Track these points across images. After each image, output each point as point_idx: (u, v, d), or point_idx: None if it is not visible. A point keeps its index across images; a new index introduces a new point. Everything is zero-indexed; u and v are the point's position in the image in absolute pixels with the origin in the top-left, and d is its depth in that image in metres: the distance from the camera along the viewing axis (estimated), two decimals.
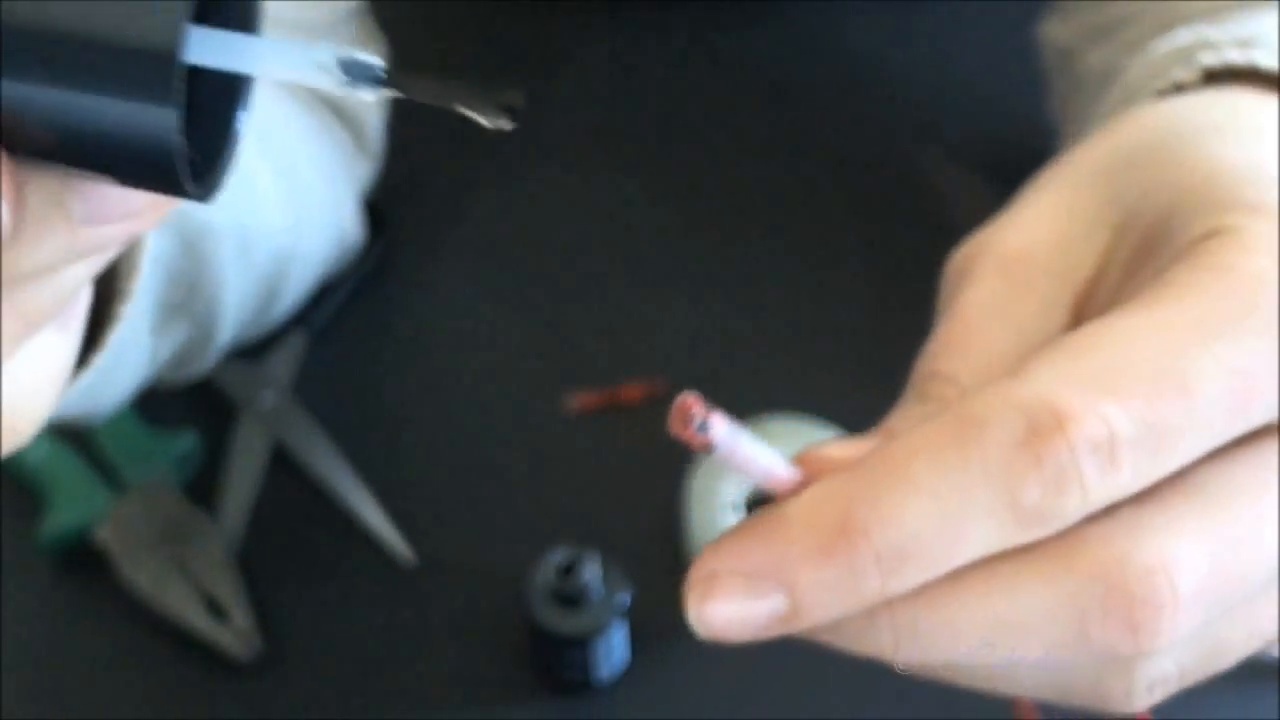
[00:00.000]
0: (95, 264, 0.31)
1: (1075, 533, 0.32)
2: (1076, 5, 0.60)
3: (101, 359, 0.41)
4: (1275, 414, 0.33)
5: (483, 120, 0.28)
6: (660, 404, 0.64)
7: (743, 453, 0.32)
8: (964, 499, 0.31)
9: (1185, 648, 0.34)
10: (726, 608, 0.34)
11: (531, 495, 0.62)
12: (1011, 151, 0.42)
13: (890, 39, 0.75)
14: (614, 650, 0.56)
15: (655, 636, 0.58)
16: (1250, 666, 0.56)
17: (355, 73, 0.27)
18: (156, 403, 0.62)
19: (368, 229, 0.67)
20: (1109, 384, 0.32)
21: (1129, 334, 0.33)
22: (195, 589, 0.58)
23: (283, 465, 0.62)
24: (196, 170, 0.28)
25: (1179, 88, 0.43)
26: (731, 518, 0.58)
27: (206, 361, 0.58)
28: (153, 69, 0.26)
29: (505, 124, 0.28)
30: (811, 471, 0.34)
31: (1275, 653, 0.44)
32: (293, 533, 0.61)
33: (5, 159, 0.27)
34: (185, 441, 0.62)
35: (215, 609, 0.58)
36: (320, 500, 0.62)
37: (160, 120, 0.26)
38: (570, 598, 0.55)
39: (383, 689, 0.58)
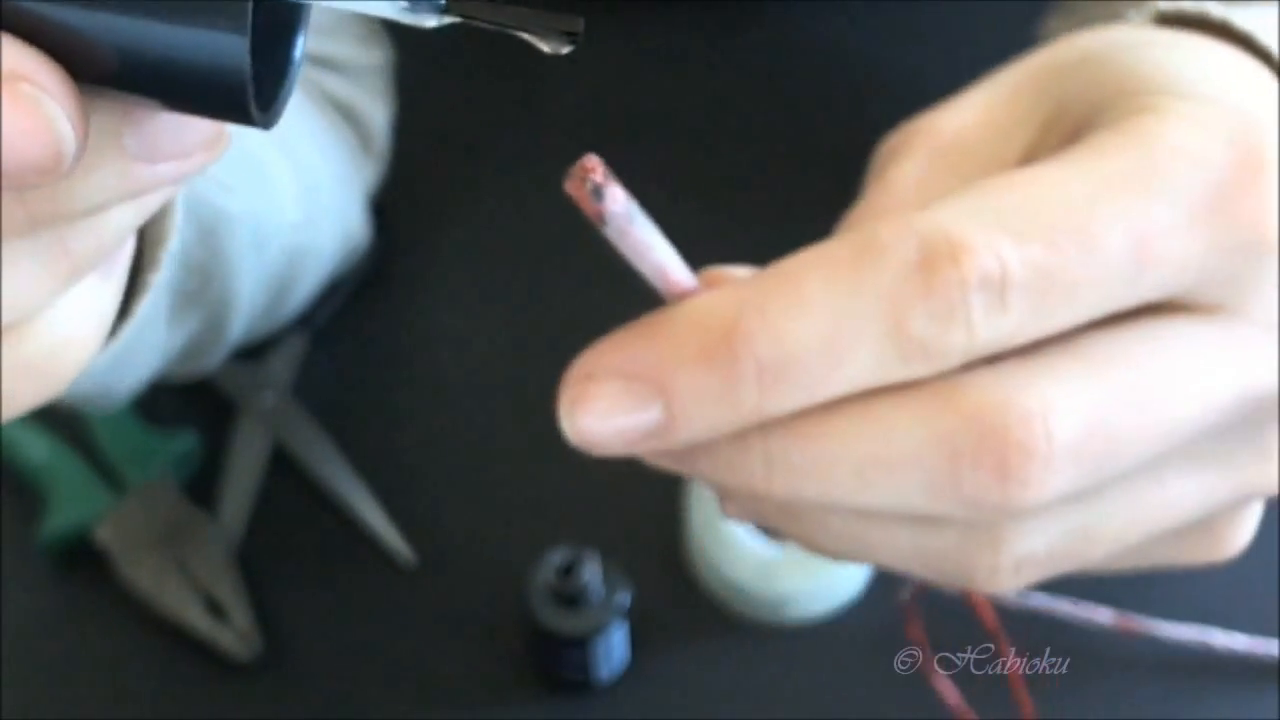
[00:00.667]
0: (143, 209, 0.31)
1: (956, 376, 0.32)
2: (1076, 5, 0.60)
3: (129, 329, 0.41)
4: (1171, 288, 0.33)
5: (543, 45, 0.28)
6: None
7: (637, 235, 0.32)
8: (852, 319, 0.31)
9: (1055, 521, 0.34)
10: (599, 412, 0.33)
11: (531, 495, 0.62)
12: None
13: (891, 39, 0.75)
14: (614, 650, 0.56)
15: (655, 636, 0.58)
16: (1250, 666, 0.56)
17: (417, 1, 0.28)
18: (156, 403, 0.62)
19: (371, 230, 0.67)
20: (1009, 224, 0.31)
21: (1039, 182, 0.33)
22: (195, 589, 0.58)
23: (283, 465, 0.62)
24: (259, 95, 0.27)
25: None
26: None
27: (214, 357, 0.58)
28: None
29: (564, 48, 0.28)
30: (711, 286, 0.34)
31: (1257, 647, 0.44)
32: (293, 533, 0.61)
33: (70, 85, 0.26)
34: (185, 441, 0.62)
35: (215, 609, 0.58)
36: (320, 500, 0.62)
37: (231, 40, 0.26)
38: (570, 598, 0.55)
39: (383, 689, 0.58)
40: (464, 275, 0.69)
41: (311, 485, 0.62)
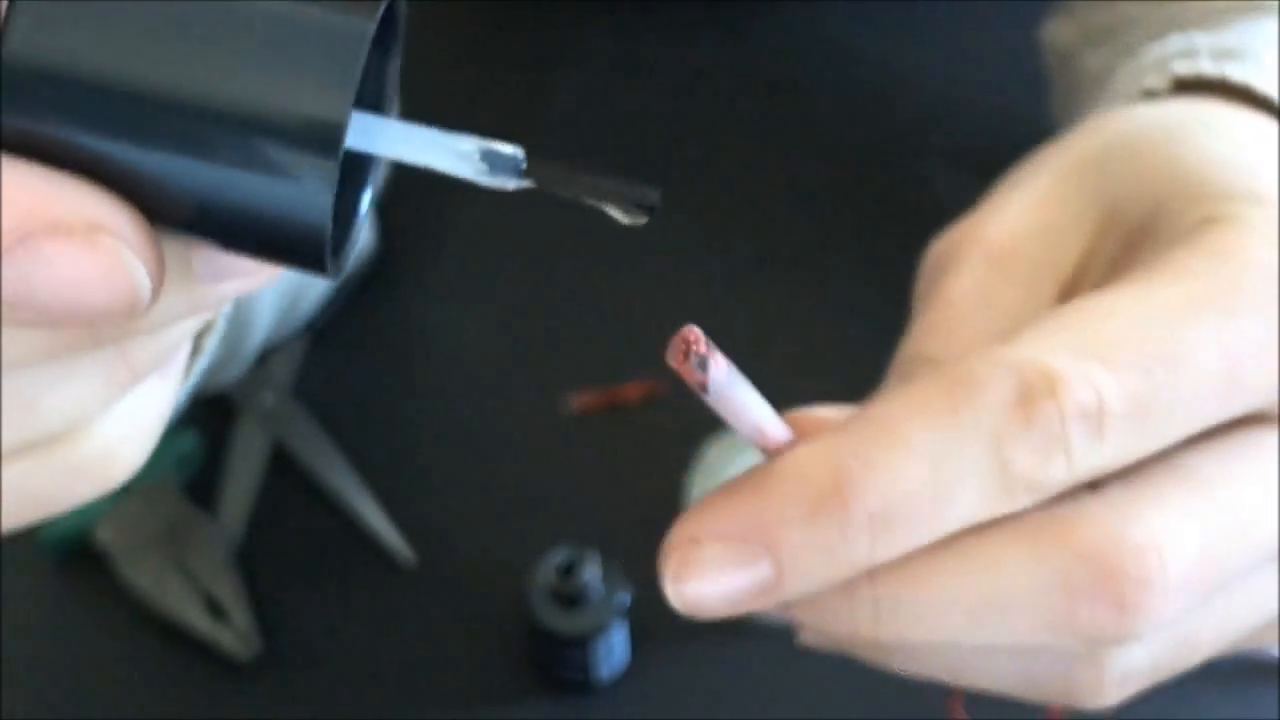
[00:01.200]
0: (206, 316, 0.31)
1: (1062, 508, 0.32)
2: (1080, 6, 0.60)
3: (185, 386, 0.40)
4: (1265, 401, 0.33)
5: (620, 217, 0.28)
6: (660, 404, 0.64)
7: (738, 399, 0.31)
8: (955, 459, 0.31)
9: (1160, 637, 0.34)
10: (708, 577, 0.32)
11: (531, 495, 0.62)
12: (1013, 153, 0.42)
13: (891, 39, 0.75)
14: (614, 650, 0.56)
15: (655, 636, 0.58)
16: (1250, 666, 0.56)
17: (496, 164, 0.28)
18: None
19: (374, 231, 0.67)
20: (1101, 353, 0.32)
21: (1123, 308, 0.33)
22: (195, 589, 0.58)
23: (283, 465, 0.62)
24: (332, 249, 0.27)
25: (1150, 94, 0.43)
26: None
27: (230, 374, 0.58)
28: (316, 149, 0.25)
29: (641, 221, 0.28)
30: (802, 432, 0.33)
31: (1272, 652, 0.44)
32: (293, 533, 0.61)
33: (149, 234, 0.26)
34: (185, 441, 0.62)
35: (215, 609, 0.58)
36: (320, 501, 0.62)
37: (316, 202, 0.26)
38: (570, 598, 0.55)
39: (383, 689, 0.58)
40: (464, 276, 0.69)
41: (311, 486, 0.62)
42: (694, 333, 0.30)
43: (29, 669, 0.59)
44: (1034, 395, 0.31)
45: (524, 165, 0.28)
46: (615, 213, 0.28)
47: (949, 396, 0.31)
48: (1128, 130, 0.39)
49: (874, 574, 0.32)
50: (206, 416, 0.63)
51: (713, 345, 0.30)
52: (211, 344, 0.42)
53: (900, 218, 0.69)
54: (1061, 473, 0.31)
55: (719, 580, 0.32)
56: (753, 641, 0.58)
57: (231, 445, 0.62)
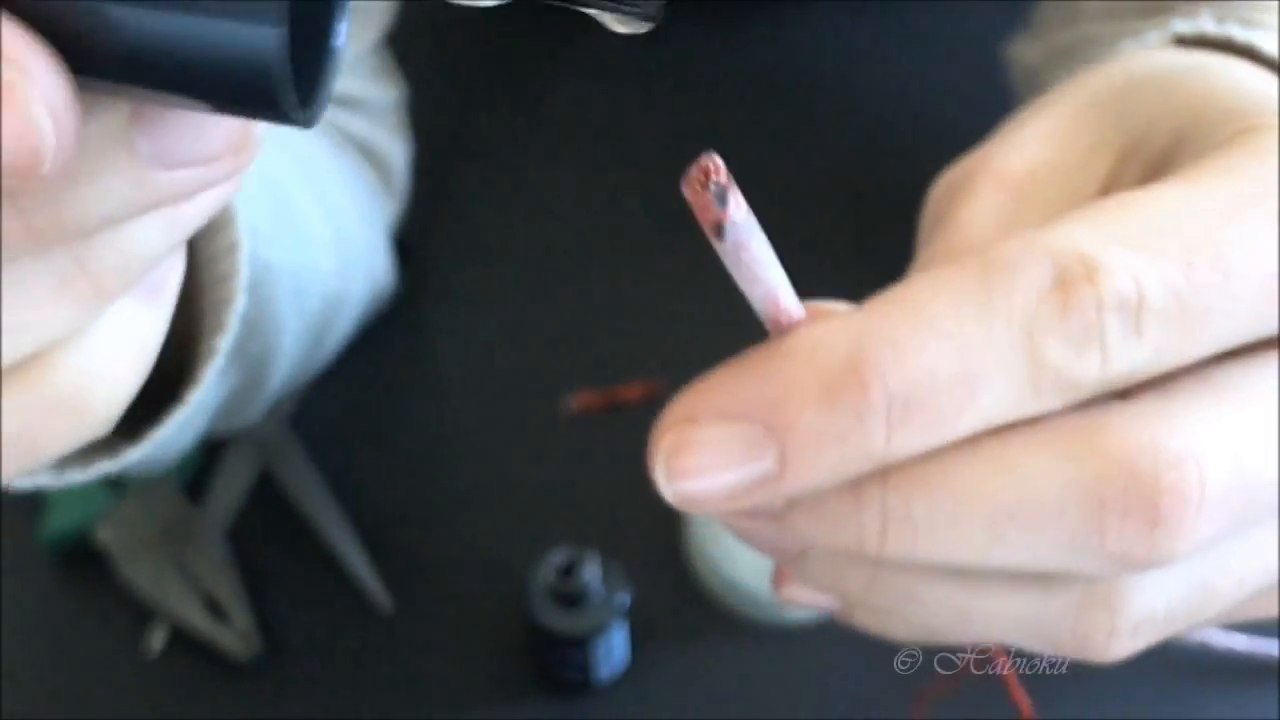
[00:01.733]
0: (175, 227, 0.28)
1: (1094, 414, 0.30)
2: (1045, 26, 0.60)
3: (196, 393, 0.38)
4: None
5: (617, 25, 0.25)
6: (660, 404, 0.64)
7: (756, 251, 0.28)
8: (984, 345, 0.28)
9: (1182, 576, 0.32)
10: (705, 462, 0.30)
11: (531, 495, 0.62)
12: None
13: (891, 40, 0.75)
14: (614, 650, 0.56)
15: (655, 636, 0.58)
16: (1250, 666, 0.56)
17: None
18: None
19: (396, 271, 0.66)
20: (1144, 244, 0.29)
21: (1168, 201, 0.30)
22: (195, 589, 0.58)
23: (270, 486, 0.62)
24: (297, 89, 0.24)
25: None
26: None
27: (253, 413, 0.56)
28: None
29: (641, 28, 0.25)
30: (817, 318, 0.31)
31: (1272, 652, 0.43)
32: (291, 533, 0.61)
33: (58, 73, 0.23)
34: None
35: (215, 609, 0.58)
36: (304, 536, 0.62)
37: (266, 22, 0.22)
38: (570, 598, 0.55)
39: (382, 689, 0.58)
40: (464, 276, 0.69)
41: (293, 513, 0.62)
42: (715, 161, 0.27)
43: (29, 669, 0.59)
44: (1071, 281, 0.29)
45: None
46: (612, 21, 0.25)
47: (981, 278, 0.29)
48: (1148, 66, 0.38)
49: (886, 475, 0.30)
50: None
51: (734, 181, 0.27)
52: (226, 345, 0.40)
53: (900, 218, 0.69)
54: (1095, 370, 0.29)
55: (717, 465, 0.30)
56: (752, 641, 0.58)
57: (218, 468, 0.62)
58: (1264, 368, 0.31)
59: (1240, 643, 0.56)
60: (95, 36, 0.22)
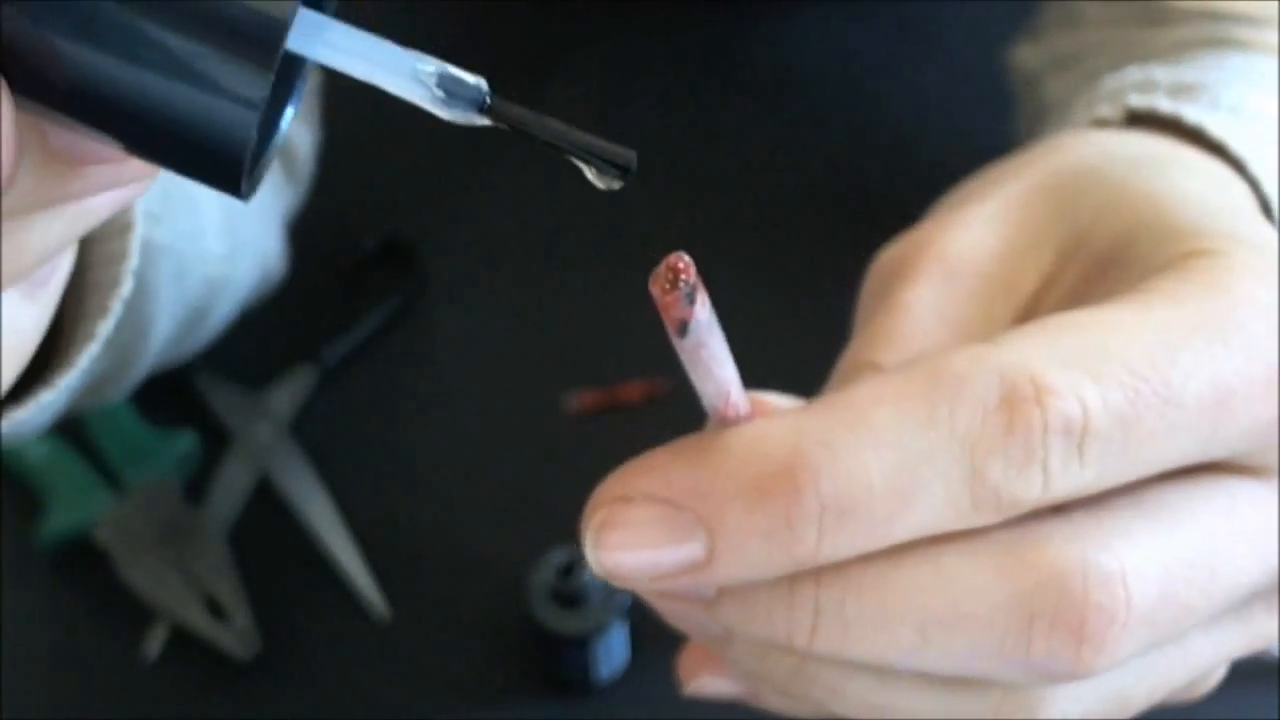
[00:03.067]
0: (76, 223, 0.26)
1: (1026, 527, 0.30)
2: (1047, 31, 0.60)
3: (69, 379, 0.37)
4: (1236, 448, 0.31)
5: (593, 178, 0.25)
6: (660, 404, 0.64)
7: (713, 350, 0.28)
8: (925, 458, 0.29)
9: (1099, 687, 0.32)
10: (631, 541, 0.30)
11: (531, 495, 0.62)
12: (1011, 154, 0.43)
13: (891, 41, 0.75)
14: (614, 650, 0.56)
15: (655, 636, 0.58)
16: (1250, 667, 0.56)
17: (455, 91, 0.24)
18: (156, 403, 0.62)
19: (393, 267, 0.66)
20: (1092, 368, 0.30)
21: (1116, 325, 0.31)
22: (195, 589, 0.58)
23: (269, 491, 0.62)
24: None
25: (1101, 124, 0.42)
26: None
27: (116, 393, 0.54)
28: (253, 47, 0.21)
29: (615, 185, 0.25)
30: (761, 414, 0.31)
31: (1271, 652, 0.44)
32: (292, 533, 0.61)
33: (11, 101, 0.22)
34: (185, 441, 0.62)
35: (215, 609, 0.58)
36: (301, 539, 0.62)
37: (242, 110, 0.22)
38: (570, 598, 0.55)
39: (382, 689, 0.58)
40: (464, 276, 0.69)
41: (291, 518, 0.62)
42: (684, 260, 0.27)
43: (29, 669, 0.58)
44: (1019, 400, 0.29)
45: (485, 100, 0.24)
46: (588, 172, 0.25)
47: (927, 390, 0.29)
48: (1092, 157, 0.38)
49: (819, 571, 0.30)
50: (207, 417, 0.63)
51: (701, 281, 0.27)
52: (106, 331, 0.38)
53: (900, 219, 0.69)
54: (1036, 490, 0.29)
55: (645, 547, 0.30)
56: None
57: (215, 476, 0.62)
58: (1197, 491, 0.32)
59: None
60: (65, 77, 0.22)
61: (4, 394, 0.30)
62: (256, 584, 0.59)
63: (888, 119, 0.72)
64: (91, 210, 0.26)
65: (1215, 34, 0.46)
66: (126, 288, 0.38)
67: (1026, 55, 0.61)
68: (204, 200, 0.53)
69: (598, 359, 0.66)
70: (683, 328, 0.27)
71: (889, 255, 0.38)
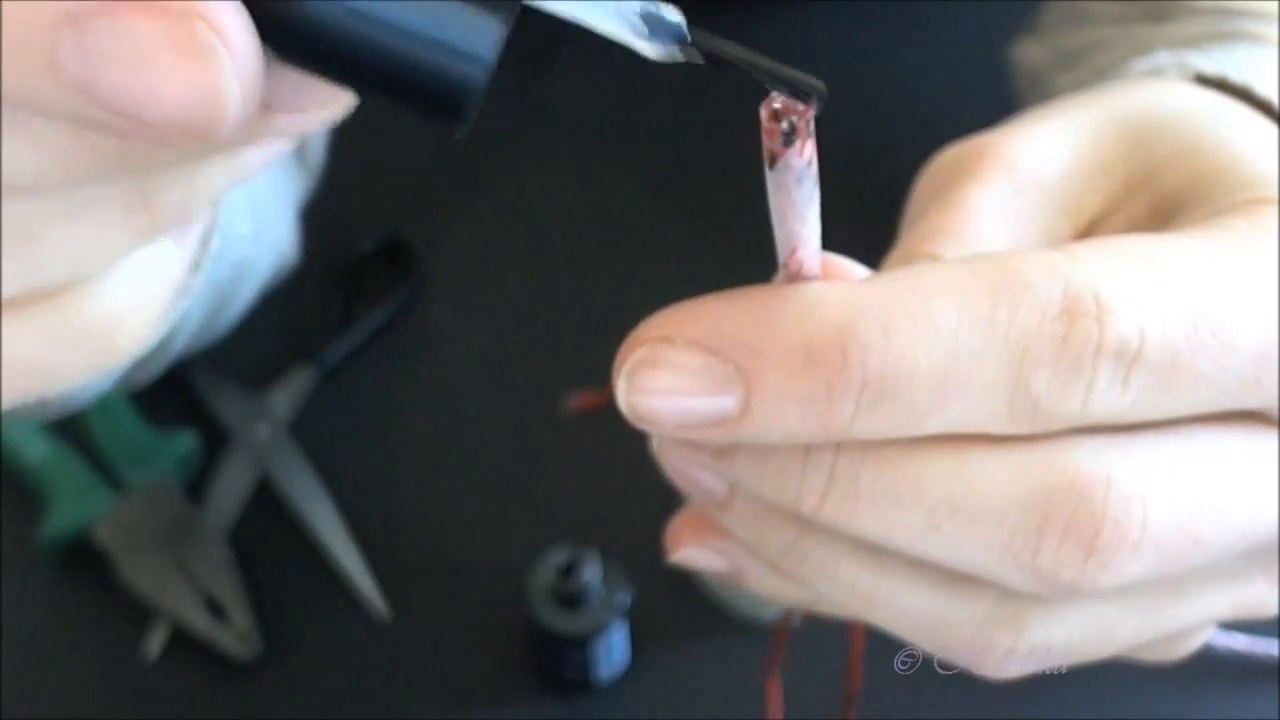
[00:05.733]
0: (239, 170, 0.26)
1: (1060, 437, 0.30)
2: (1051, 28, 0.60)
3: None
4: (1271, 402, 0.31)
5: (786, 102, 0.26)
6: None
7: (793, 199, 0.28)
8: (976, 356, 0.28)
9: (1090, 612, 0.32)
10: (666, 385, 0.29)
11: (531, 495, 0.62)
12: None
13: (890, 41, 0.75)
14: (614, 650, 0.56)
15: (655, 636, 0.58)
16: (1250, 667, 0.56)
17: (657, 28, 0.25)
18: (157, 403, 0.62)
19: (397, 268, 0.66)
20: (1155, 296, 0.29)
21: (1183, 257, 0.31)
22: (195, 589, 0.58)
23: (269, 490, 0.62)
24: None
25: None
26: None
27: (144, 376, 0.54)
28: None
29: (801, 106, 0.26)
30: (831, 277, 0.30)
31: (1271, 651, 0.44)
32: (292, 533, 0.61)
33: (255, 44, 0.21)
34: (185, 441, 0.62)
35: (215, 609, 0.58)
36: (300, 539, 0.62)
37: (485, 39, 0.22)
38: (570, 598, 0.55)
39: (382, 689, 0.58)
40: (464, 276, 0.69)
41: (291, 518, 0.62)
42: (798, 107, 0.27)
43: (29, 669, 0.59)
44: (1079, 314, 0.29)
45: (687, 34, 0.25)
46: (777, 94, 0.27)
47: (994, 288, 0.29)
48: (1171, 100, 0.38)
49: (840, 444, 0.29)
50: (207, 417, 0.63)
51: (811, 133, 0.27)
52: (197, 285, 0.37)
53: (900, 219, 0.69)
54: (1074, 406, 0.29)
55: (679, 393, 0.29)
56: (753, 641, 0.58)
57: (216, 475, 0.62)
58: (1228, 434, 0.31)
59: (1240, 642, 0.56)
60: (314, 26, 0.22)
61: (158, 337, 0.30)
62: (256, 584, 0.59)
63: (889, 118, 0.72)
64: (250, 163, 0.26)
65: (1223, 28, 0.46)
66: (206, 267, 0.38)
67: (1030, 52, 0.61)
68: None
69: (598, 359, 0.65)
70: (771, 160, 0.27)
71: (951, 155, 0.38)
